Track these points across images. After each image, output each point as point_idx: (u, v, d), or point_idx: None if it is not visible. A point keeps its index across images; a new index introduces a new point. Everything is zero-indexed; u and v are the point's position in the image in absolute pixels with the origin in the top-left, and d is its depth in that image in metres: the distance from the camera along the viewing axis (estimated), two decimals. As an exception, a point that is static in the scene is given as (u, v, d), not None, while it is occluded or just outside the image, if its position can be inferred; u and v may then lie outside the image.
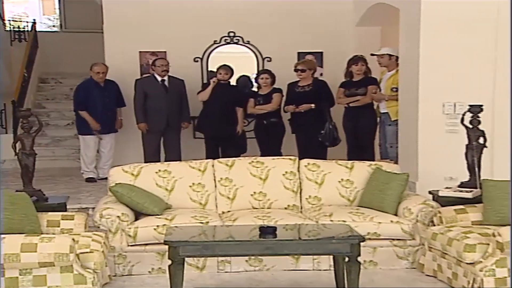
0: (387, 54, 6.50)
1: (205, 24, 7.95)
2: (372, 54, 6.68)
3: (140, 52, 7.99)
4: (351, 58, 6.82)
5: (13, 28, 11.87)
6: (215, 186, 4.95)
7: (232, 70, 7.23)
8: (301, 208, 4.98)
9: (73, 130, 8.89)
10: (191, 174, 4.94)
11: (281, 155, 6.74)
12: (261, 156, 6.99)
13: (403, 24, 6.07)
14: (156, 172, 4.89)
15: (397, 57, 6.40)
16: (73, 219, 4.14)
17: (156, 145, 7.24)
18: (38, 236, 3.58)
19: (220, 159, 5.17)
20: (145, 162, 6.93)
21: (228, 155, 6.89)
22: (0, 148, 8.09)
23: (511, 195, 4.16)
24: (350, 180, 5.01)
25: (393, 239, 4.55)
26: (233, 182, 4.95)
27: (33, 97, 10.62)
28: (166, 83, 7.23)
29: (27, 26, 11.95)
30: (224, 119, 7.08)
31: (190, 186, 4.88)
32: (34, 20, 11.78)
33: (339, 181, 5.01)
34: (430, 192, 4.95)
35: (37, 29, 11.66)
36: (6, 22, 11.99)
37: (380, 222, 4.51)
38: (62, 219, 4.13)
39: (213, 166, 5.02)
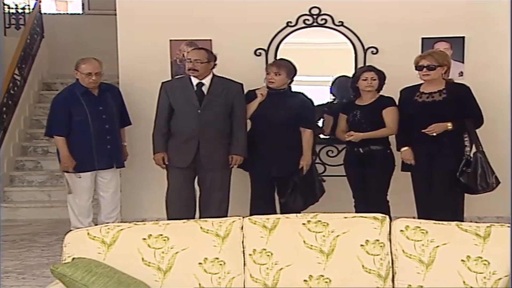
0: None
1: (272, -2, 7.76)
2: None
3: (171, 41, 7.79)
4: None
5: (10, 9, 12.05)
6: (244, 264, 4.36)
7: (290, 68, 6.69)
8: (394, 306, 4.35)
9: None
10: (203, 242, 4.35)
11: (386, 204, 6.57)
12: (356, 206, 6.82)
13: None
14: (144, 239, 4.32)
15: None
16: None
17: (186, 189, 6.82)
18: None
19: (253, 217, 4.55)
20: (168, 216, 6.69)
21: (287, 206, 6.58)
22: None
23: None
24: (483, 259, 4.28)
25: None
26: (273, 258, 4.34)
27: (29, 112, 10.61)
28: (203, 88, 6.64)
29: (28, 7, 12.18)
30: (281, 148, 6.64)
31: (201, 264, 4.30)
32: (37, -4, 11.88)
33: (463, 261, 4.29)
34: None
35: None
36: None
37: None
38: None
39: (241, 228, 4.43)
